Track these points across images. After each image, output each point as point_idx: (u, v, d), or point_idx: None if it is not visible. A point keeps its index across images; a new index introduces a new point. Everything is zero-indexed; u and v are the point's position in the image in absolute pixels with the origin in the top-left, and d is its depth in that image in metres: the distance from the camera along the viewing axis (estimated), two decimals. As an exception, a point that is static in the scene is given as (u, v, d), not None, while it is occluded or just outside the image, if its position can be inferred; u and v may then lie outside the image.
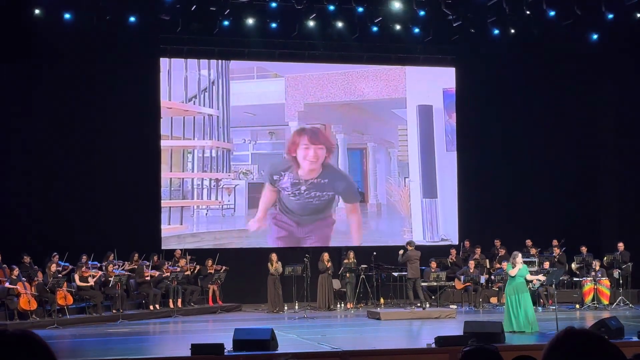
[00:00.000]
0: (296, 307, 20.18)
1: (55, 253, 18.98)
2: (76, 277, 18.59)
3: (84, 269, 18.77)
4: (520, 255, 15.78)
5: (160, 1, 19.90)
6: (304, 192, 22.22)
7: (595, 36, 22.56)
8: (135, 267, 20.07)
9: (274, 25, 21.22)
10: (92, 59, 20.92)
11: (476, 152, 23.60)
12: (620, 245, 21.12)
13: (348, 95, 23.45)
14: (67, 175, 20.79)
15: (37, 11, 19.58)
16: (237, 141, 22.68)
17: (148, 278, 19.67)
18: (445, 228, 23.68)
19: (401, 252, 20.22)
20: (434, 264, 21.01)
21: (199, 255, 21.32)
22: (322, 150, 22.62)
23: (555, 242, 21.73)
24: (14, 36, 20.05)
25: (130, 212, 21.02)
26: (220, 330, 15.93)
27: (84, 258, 19.17)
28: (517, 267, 15.30)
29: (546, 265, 20.33)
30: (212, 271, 20.75)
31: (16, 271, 17.52)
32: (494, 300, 20.78)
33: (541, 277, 17.22)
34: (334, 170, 22.76)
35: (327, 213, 22.59)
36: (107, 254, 19.75)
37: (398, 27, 21.67)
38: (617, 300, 20.18)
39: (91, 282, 18.58)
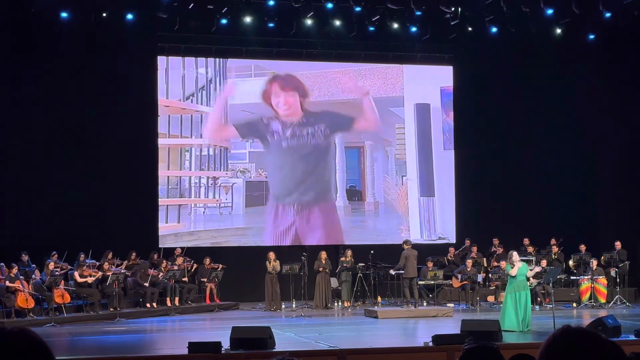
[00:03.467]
0: (293, 305, 20.18)
1: (54, 252, 18.97)
2: (76, 274, 18.58)
3: (84, 267, 18.76)
4: (516, 253, 15.77)
5: (158, -1, 19.91)
6: (296, 133, 22.51)
7: (592, 35, 22.57)
8: (133, 264, 20.05)
9: (271, 23, 21.22)
10: (90, 57, 20.90)
11: (474, 150, 23.61)
12: (618, 244, 21.14)
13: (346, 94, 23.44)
14: (64, 173, 20.74)
15: (31, 10, 19.56)
16: (235, 139, 22.67)
17: (154, 276, 19.66)
18: (443, 226, 23.68)
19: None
20: (430, 263, 21.01)
21: (196, 253, 21.31)
22: (294, 98, 22.67)
23: (553, 241, 21.74)
24: (11, 34, 20.04)
25: (128, 210, 21.00)
26: (217, 329, 15.94)
27: (82, 256, 19.15)
28: (517, 266, 15.31)
29: (543, 263, 20.34)
30: (209, 269, 20.73)
31: (15, 269, 17.51)
32: (491, 298, 20.79)
33: (534, 279, 17.21)
34: (313, 114, 22.92)
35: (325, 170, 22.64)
36: (106, 252, 19.73)
37: (395, 25, 21.67)
38: (614, 299, 20.21)
39: (90, 280, 18.57)
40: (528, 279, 15.95)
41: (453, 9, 20.47)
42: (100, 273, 18.83)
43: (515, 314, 15.09)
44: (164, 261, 20.37)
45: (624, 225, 22.60)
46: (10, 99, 20.44)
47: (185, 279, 20.43)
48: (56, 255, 18.93)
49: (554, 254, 21.41)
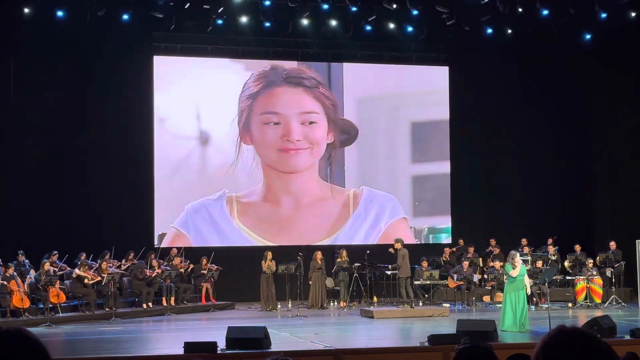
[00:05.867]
0: (289, 305, 20.17)
1: (55, 252, 18.95)
2: (77, 271, 18.54)
3: (86, 267, 18.73)
4: (518, 254, 15.80)
5: (154, -1, 19.91)
6: None
7: (588, 35, 22.61)
8: (130, 265, 20.04)
9: (267, 23, 21.21)
10: (85, 56, 20.88)
11: (470, 150, 23.62)
12: (613, 245, 21.16)
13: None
14: (61, 173, 20.74)
15: (26, 10, 19.54)
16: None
17: (149, 275, 19.66)
18: (439, 226, 23.69)
19: (392, 250, 20.25)
20: (425, 263, 21.01)
21: (192, 253, 21.28)
22: None
23: (550, 241, 21.76)
24: (6, 34, 20.03)
25: (124, 210, 21.00)
26: (213, 329, 15.90)
27: (83, 256, 19.13)
28: (518, 268, 15.33)
29: (538, 264, 20.37)
30: (206, 270, 20.71)
31: (11, 269, 17.47)
32: (486, 298, 20.81)
33: (529, 279, 17.17)
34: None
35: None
36: (103, 252, 19.70)
37: (392, 25, 21.69)
38: (610, 299, 20.22)
39: (88, 282, 18.55)
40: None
41: (449, 9, 20.48)
42: (99, 277, 18.75)
43: (513, 314, 15.11)
44: (155, 260, 20.25)
45: (618, 225, 22.63)
46: (6, 98, 20.40)
47: (182, 270, 20.42)
48: (57, 255, 18.92)
49: (552, 255, 21.42)
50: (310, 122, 22.53)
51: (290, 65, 22.73)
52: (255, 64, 22.56)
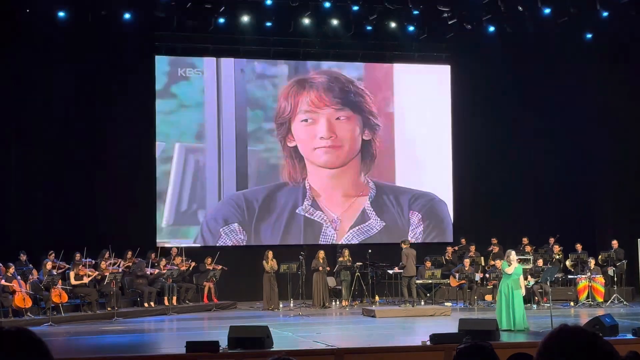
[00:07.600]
0: (291, 304, 20.18)
1: (51, 251, 18.95)
2: (72, 274, 18.56)
3: (80, 267, 18.74)
4: (514, 252, 15.78)
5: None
6: None
7: (589, 35, 22.59)
8: (130, 264, 20.06)
9: (268, 23, 21.22)
10: (87, 56, 20.87)
11: (471, 149, 23.61)
12: (615, 243, 21.16)
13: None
14: (62, 173, 20.75)
15: (27, 10, 19.54)
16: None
17: (150, 274, 19.68)
18: (440, 226, 23.68)
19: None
20: (428, 263, 21.02)
21: (192, 253, 21.28)
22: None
23: (552, 240, 21.74)
24: (5, 35, 20.04)
25: (126, 209, 21.01)
26: (215, 328, 15.94)
27: (78, 256, 19.13)
28: (513, 265, 15.32)
29: (539, 263, 20.37)
30: (210, 268, 20.72)
31: (12, 269, 17.49)
32: (488, 297, 20.80)
33: (526, 282, 17.11)
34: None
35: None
36: (102, 252, 19.72)
37: (393, 24, 21.69)
38: (612, 298, 20.22)
39: (86, 280, 18.57)
40: (525, 278, 15.92)
41: (450, 8, 20.49)
42: (97, 273, 18.81)
43: (507, 312, 15.08)
44: (163, 259, 20.34)
45: (620, 224, 22.62)
46: (6, 98, 20.41)
47: (185, 267, 20.44)
48: (53, 254, 18.93)
49: (556, 254, 21.41)
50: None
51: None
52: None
